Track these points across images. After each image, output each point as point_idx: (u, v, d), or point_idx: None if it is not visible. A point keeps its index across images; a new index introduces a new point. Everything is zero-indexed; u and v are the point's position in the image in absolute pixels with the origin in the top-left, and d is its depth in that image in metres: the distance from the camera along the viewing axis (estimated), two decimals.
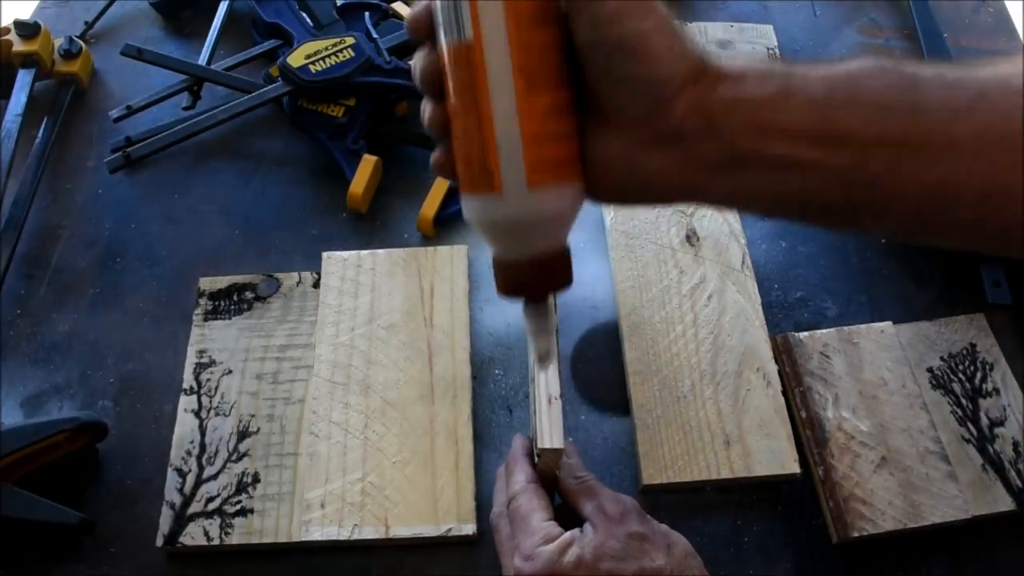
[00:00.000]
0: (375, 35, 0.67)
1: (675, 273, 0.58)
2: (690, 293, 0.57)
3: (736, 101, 0.29)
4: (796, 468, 0.50)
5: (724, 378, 0.53)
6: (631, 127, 0.31)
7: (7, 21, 0.69)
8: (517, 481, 0.43)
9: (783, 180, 0.30)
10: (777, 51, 0.73)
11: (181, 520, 0.48)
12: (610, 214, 0.61)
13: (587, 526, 0.40)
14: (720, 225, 0.60)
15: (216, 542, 0.48)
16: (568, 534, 0.39)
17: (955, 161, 0.28)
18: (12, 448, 0.48)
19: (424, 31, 0.32)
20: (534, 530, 0.40)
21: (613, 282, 0.58)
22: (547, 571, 0.38)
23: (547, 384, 0.42)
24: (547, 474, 0.43)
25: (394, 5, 0.72)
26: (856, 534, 0.47)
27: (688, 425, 0.52)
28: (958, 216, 0.29)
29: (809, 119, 0.29)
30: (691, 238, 0.59)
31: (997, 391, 0.54)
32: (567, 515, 0.42)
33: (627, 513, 0.40)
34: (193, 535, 0.48)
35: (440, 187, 0.61)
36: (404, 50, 0.68)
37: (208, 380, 0.54)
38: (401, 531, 0.48)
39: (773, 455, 0.50)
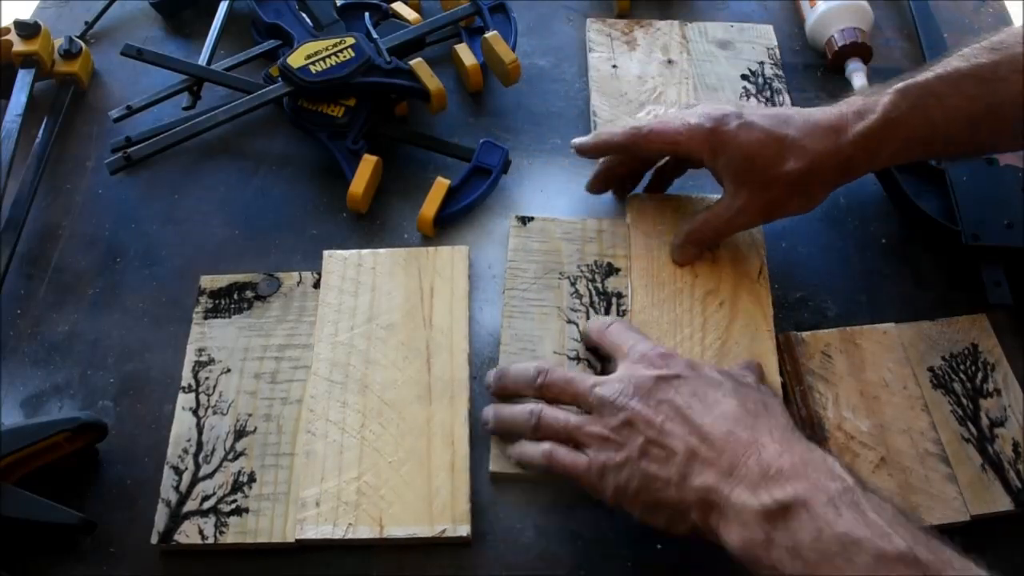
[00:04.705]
0: (375, 35, 0.66)
1: (689, 277, 0.57)
2: (702, 297, 0.56)
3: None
4: None
5: None
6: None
7: (7, 21, 0.69)
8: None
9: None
10: (777, 51, 0.73)
11: (176, 518, 0.48)
12: (630, 215, 0.60)
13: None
14: (742, 235, 0.58)
15: (211, 541, 0.48)
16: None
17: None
18: (12, 448, 0.48)
19: None
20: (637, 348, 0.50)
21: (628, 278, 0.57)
22: (686, 362, 0.47)
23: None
24: None
25: (394, 5, 0.72)
26: None
27: None
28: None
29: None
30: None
31: (998, 391, 0.53)
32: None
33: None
34: (188, 533, 0.48)
35: (440, 187, 0.61)
36: (404, 50, 0.68)
37: (207, 378, 0.54)
38: (395, 531, 0.48)
39: None
